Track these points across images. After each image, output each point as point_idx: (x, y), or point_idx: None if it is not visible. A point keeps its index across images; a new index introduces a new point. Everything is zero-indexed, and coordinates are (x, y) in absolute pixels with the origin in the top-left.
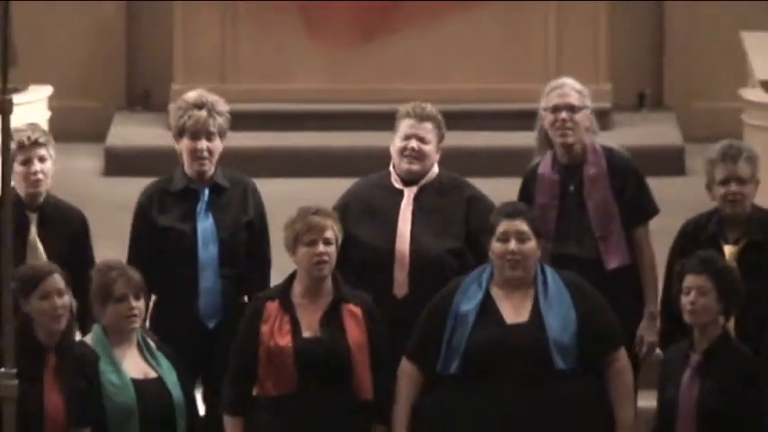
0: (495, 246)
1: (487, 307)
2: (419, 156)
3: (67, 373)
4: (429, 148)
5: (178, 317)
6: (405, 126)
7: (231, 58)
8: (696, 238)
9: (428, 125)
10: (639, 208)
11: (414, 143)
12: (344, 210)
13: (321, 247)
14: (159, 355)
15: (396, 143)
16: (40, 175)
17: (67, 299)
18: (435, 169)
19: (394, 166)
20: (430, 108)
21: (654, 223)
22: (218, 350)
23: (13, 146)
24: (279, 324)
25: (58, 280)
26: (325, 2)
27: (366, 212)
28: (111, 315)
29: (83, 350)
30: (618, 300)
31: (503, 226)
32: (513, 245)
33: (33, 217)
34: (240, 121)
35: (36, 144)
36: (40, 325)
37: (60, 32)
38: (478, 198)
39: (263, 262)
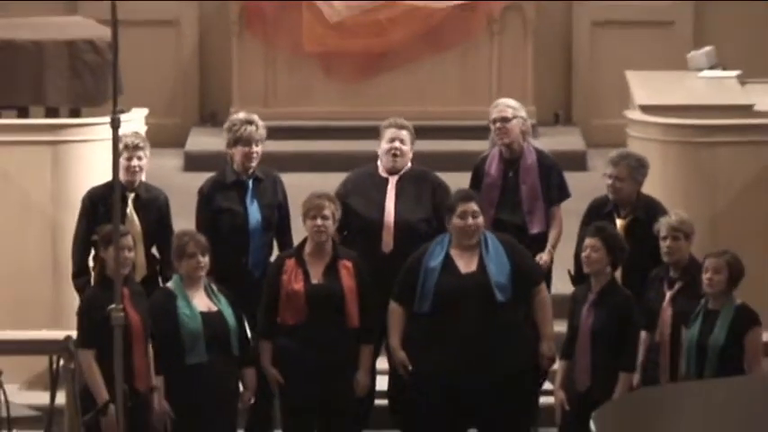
0: (457, 222)
1: (448, 263)
2: (401, 153)
3: (138, 300)
4: (406, 148)
5: (234, 269)
6: (389, 133)
7: (272, 89)
8: (599, 213)
9: (404, 132)
10: (558, 192)
11: (396, 144)
12: (346, 191)
13: (319, 221)
14: (220, 295)
15: (382, 146)
16: (137, 168)
17: (133, 254)
18: (409, 164)
19: (380, 163)
20: (403, 120)
21: (563, 205)
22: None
23: (120, 145)
24: (294, 274)
25: (129, 239)
26: (339, 51)
27: (362, 194)
28: (185, 267)
29: (141, 288)
30: (535, 253)
31: (461, 207)
32: (470, 221)
33: (130, 196)
34: (278, 133)
35: (136, 147)
36: (111, 268)
37: (152, 70)
38: (441, 185)
39: (288, 229)
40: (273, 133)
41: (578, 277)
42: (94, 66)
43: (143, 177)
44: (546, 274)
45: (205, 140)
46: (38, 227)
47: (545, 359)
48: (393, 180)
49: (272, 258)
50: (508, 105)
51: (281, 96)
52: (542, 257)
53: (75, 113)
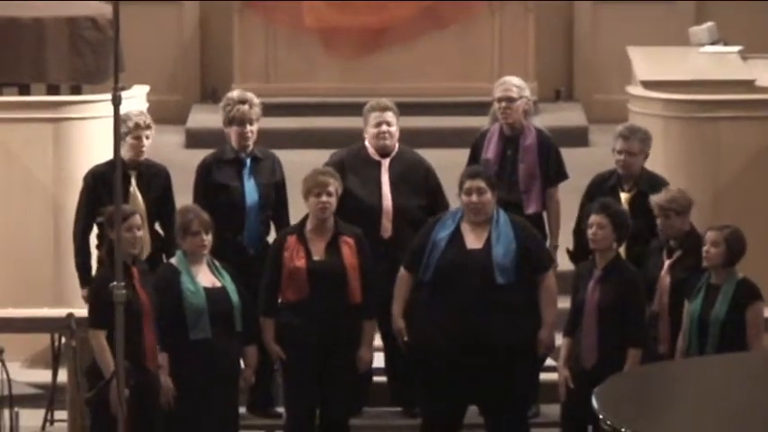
0: (463, 198)
1: (456, 236)
2: (390, 135)
3: (147, 280)
4: (394, 129)
5: (230, 247)
6: (374, 117)
7: (272, 66)
8: (601, 187)
9: (389, 113)
10: (555, 174)
11: (384, 127)
12: (341, 172)
13: (324, 198)
14: (223, 271)
15: (370, 131)
16: (145, 148)
17: (142, 233)
18: (397, 144)
19: (369, 144)
20: (387, 101)
21: (567, 182)
22: (257, 267)
23: (130, 124)
24: (296, 251)
25: (138, 219)
26: (339, 27)
27: (354, 177)
28: (189, 244)
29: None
30: None
31: (467, 184)
32: (474, 197)
33: (133, 174)
34: (279, 109)
35: (148, 127)
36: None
37: (154, 48)
38: (431, 170)
39: (285, 209)
40: (274, 110)
41: (577, 253)
42: (96, 43)
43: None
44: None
45: (206, 117)
46: (39, 204)
47: (542, 346)
48: (385, 163)
49: (268, 238)
50: (514, 84)
51: (282, 73)
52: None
53: (76, 90)
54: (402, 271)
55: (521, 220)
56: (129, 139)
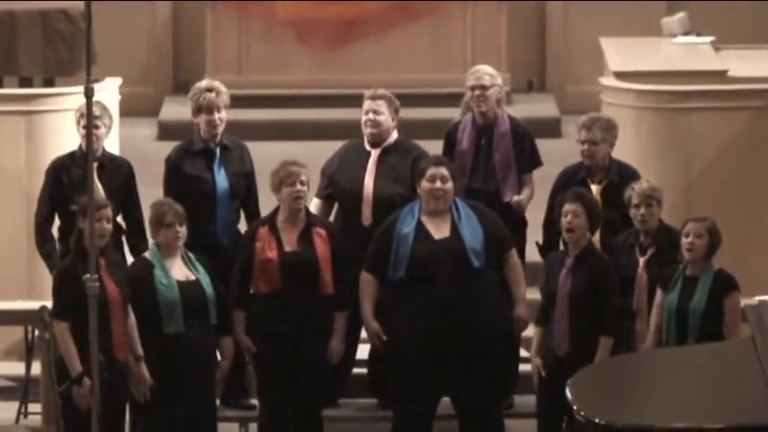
0: (425, 185)
1: (420, 229)
2: (375, 124)
3: (114, 270)
4: (382, 119)
5: (202, 237)
6: (365, 105)
7: (245, 58)
8: (571, 180)
9: (381, 102)
10: (530, 160)
11: (371, 115)
12: (333, 165)
13: (298, 186)
14: (197, 264)
15: (362, 117)
16: (97, 135)
17: (110, 226)
18: (395, 135)
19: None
20: (383, 90)
21: (538, 170)
22: (230, 257)
23: (77, 115)
24: (268, 242)
25: (108, 210)
26: (312, 18)
27: (346, 167)
28: (163, 237)
29: (119, 257)
30: (509, 220)
31: (431, 170)
32: (438, 184)
33: (94, 165)
34: (251, 101)
35: (98, 117)
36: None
37: (126, 40)
38: (421, 156)
39: (255, 197)
40: (247, 101)
41: (547, 246)
42: (68, 35)
43: (104, 146)
44: (521, 242)
45: (179, 109)
46: (12, 197)
47: (520, 322)
48: (375, 153)
49: (240, 226)
50: (486, 73)
51: (255, 64)
52: (518, 197)
53: (48, 83)
54: (365, 275)
55: (477, 205)
56: (80, 129)
